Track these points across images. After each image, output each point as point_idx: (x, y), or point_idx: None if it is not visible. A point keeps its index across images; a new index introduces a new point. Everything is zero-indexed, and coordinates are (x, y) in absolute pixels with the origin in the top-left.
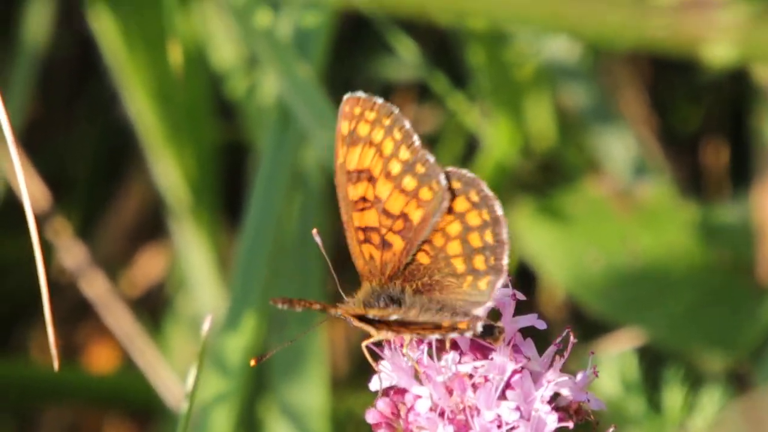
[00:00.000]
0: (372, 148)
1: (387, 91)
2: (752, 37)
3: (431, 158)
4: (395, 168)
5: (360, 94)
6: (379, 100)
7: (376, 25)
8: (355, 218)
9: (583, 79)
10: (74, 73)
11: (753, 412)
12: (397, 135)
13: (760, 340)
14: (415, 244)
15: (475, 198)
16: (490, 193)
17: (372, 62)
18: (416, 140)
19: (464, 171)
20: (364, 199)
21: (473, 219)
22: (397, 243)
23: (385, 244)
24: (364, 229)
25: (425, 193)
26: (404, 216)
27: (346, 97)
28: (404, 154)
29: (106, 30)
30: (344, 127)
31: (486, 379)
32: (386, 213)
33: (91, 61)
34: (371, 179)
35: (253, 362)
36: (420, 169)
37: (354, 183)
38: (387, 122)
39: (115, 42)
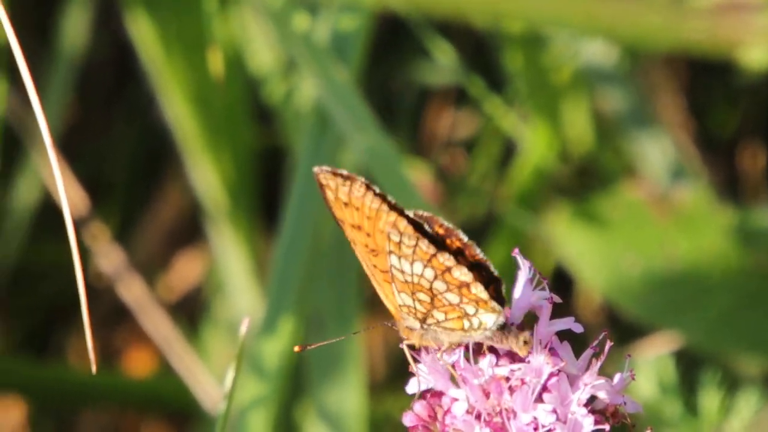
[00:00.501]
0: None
1: (424, 95)
2: None
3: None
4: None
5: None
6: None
7: (413, 28)
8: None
9: (620, 83)
10: (112, 78)
11: None
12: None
13: None
14: None
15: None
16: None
17: (409, 66)
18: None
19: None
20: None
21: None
22: None
23: None
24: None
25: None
26: None
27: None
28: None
29: (144, 34)
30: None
31: (523, 382)
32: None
33: (129, 65)
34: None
35: (297, 348)
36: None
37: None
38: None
39: (153, 46)
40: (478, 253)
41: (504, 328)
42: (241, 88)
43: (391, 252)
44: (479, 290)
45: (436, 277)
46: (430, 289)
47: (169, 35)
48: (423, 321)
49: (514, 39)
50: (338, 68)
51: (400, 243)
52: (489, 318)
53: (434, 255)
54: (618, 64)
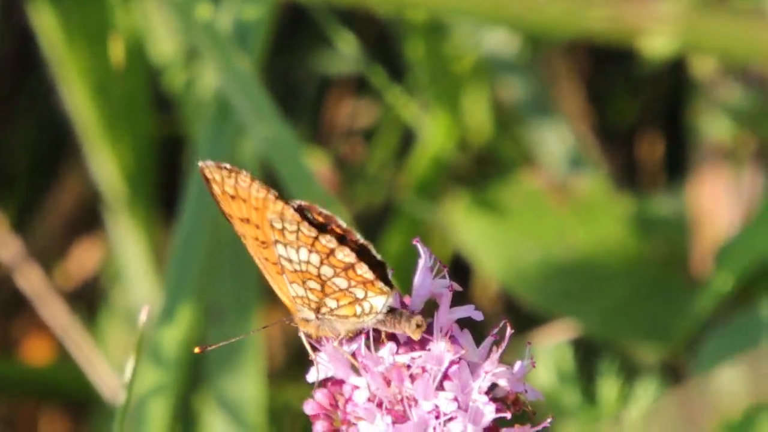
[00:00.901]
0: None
1: (325, 84)
2: (692, 28)
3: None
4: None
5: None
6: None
7: (315, 17)
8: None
9: (521, 72)
10: (13, 67)
11: (687, 403)
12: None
13: (693, 332)
14: None
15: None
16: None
17: (311, 55)
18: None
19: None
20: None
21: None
22: None
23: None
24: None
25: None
26: None
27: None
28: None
29: (46, 23)
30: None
31: (423, 370)
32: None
33: (30, 54)
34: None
35: (197, 350)
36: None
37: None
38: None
39: (54, 35)
40: (359, 237)
41: (395, 312)
42: (142, 77)
43: (276, 241)
44: (364, 270)
45: (322, 262)
46: (319, 275)
47: (71, 24)
48: (317, 311)
49: (416, 28)
50: (240, 57)
51: (283, 230)
52: (378, 301)
53: (316, 238)
54: (519, 53)
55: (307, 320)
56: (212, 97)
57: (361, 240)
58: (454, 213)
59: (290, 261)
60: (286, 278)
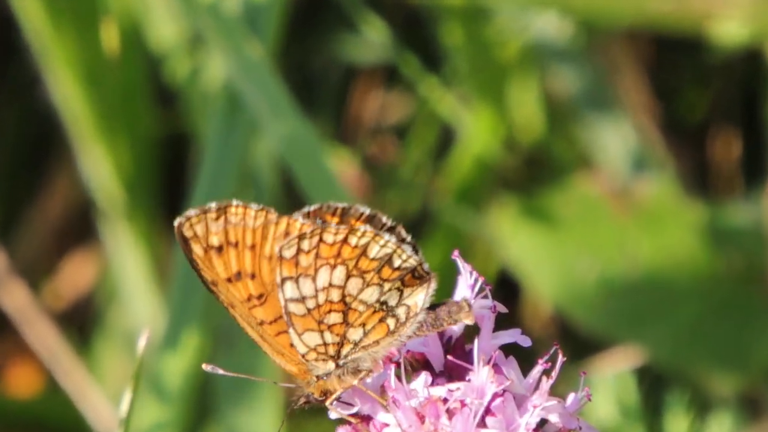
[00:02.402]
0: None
1: (349, 74)
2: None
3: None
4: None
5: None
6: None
7: None
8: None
9: (575, 61)
10: None
11: None
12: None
13: None
14: None
15: None
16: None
17: (332, 42)
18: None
19: None
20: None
21: None
22: None
23: None
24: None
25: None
26: None
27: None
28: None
29: (29, 4)
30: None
31: (463, 404)
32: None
33: (11, 40)
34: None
35: (206, 366)
36: None
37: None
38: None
39: (39, 19)
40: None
41: (434, 308)
42: (140, 66)
43: (285, 280)
44: (405, 257)
45: (349, 275)
46: (342, 299)
47: (58, 6)
48: (337, 357)
49: (453, 11)
50: (251, 43)
51: (297, 255)
52: (419, 297)
53: (346, 238)
54: (573, 39)
55: (325, 377)
56: (220, 90)
57: (389, 222)
58: (501, 223)
59: (302, 300)
60: (296, 331)
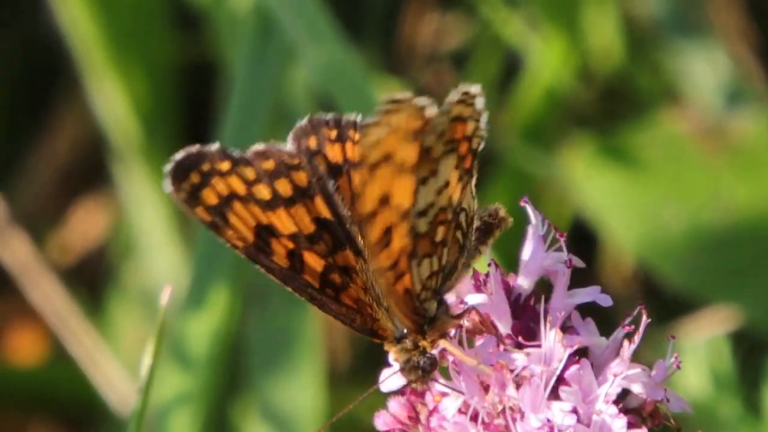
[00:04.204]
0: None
1: None
2: None
3: None
4: None
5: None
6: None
7: None
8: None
9: None
10: None
11: None
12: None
13: None
14: None
15: None
16: None
17: None
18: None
19: None
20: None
21: None
22: None
23: None
24: None
25: None
26: None
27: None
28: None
29: None
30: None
31: (532, 373)
32: None
33: None
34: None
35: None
36: None
37: None
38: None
39: None
40: None
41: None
42: None
43: (424, 180)
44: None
45: (457, 165)
46: (450, 201)
47: None
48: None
49: None
50: None
51: (431, 146)
52: (468, 195)
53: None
54: None
55: (433, 322)
56: (250, 11)
57: None
58: (575, 165)
59: (427, 211)
60: (415, 263)
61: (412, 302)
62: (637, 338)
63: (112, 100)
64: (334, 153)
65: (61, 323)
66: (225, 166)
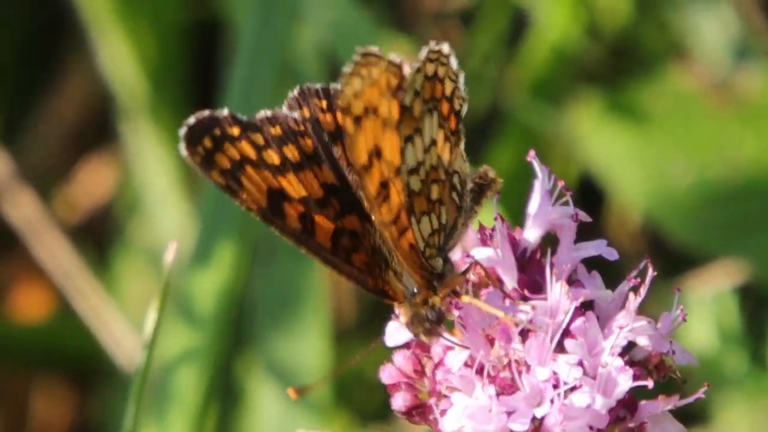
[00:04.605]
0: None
1: None
2: None
3: None
4: None
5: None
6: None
7: None
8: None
9: None
10: None
11: None
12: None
13: None
14: None
15: None
16: None
17: None
18: None
19: None
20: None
21: None
22: None
23: None
24: None
25: None
26: None
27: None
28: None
29: None
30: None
31: (539, 325)
32: None
33: None
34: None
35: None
36: None
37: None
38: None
39: None
40: None
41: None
42: None
43: (407, 139)
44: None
45: (440, 124)
46: (439, 160)
47: None
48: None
49: None
50: None
51: (411, 104)
52: (459, 158)
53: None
54: None
55: (442, 278)
56: None
57: None
58: (582, 120)
59: (417, 169)
60: (415, 220)
61: (418, 258)
62: (642, 291)
63: (119, 58)
64: (327, 121)
65: (67, 280)
66: (235, 131)
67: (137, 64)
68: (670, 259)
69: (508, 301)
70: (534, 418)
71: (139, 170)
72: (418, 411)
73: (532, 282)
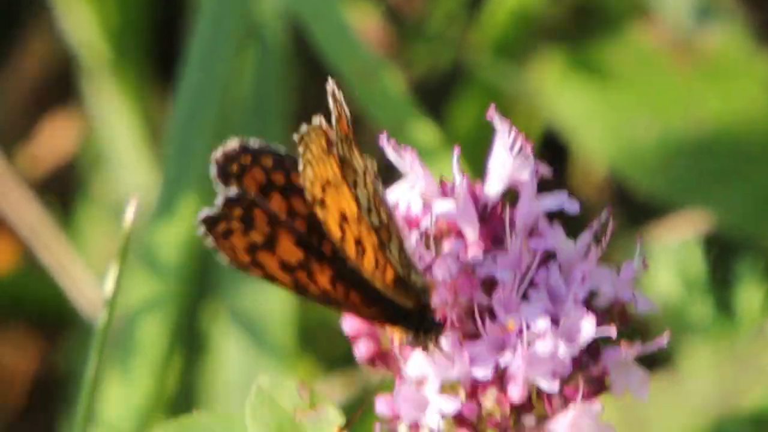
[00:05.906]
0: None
1: None
2: None
3: None
4: None
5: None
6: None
7: None
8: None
9: None
10: None
11: None
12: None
13: None
14: None
15: None
16: None
17: None
18: None
19: None
20: None
21: None
22: None
23: None
24: None
25: None
26: None
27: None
28: None
29: None
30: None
31: (502, 277)
32: None
33: None
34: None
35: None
36: None
37: None
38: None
39: None
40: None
41: None
42: None
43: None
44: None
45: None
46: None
47: None
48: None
49: None
50: None
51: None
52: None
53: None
54: None
55: (426, 290)
56: None
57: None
58: (545, 78)
59: (370, 206)
60: (387, 252)
61: (404, 285)
62: (604, 241)
63: (80, 17)
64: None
65: (32, 233)
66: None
67: (98, 23)
68: (635, 210)
69: (470, 253)
70: (498, 366)
71: (102, 126)
72: (382, 358)
73: (493, 235)
